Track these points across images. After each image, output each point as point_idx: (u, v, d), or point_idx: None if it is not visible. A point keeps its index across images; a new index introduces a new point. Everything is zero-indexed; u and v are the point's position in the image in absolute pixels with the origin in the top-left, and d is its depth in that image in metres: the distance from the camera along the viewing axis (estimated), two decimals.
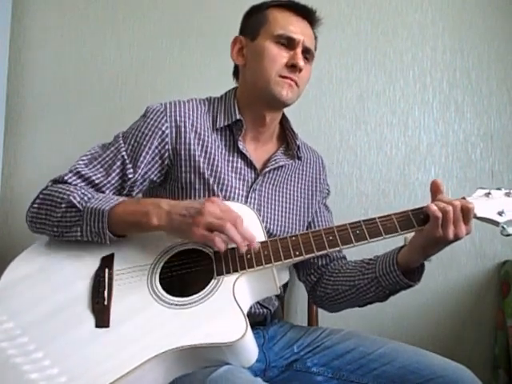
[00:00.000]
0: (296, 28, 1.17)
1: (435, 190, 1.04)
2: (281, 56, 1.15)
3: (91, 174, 1.11)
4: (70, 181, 1.10)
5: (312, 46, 1.21)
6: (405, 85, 1.78)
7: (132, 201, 1.05)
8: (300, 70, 1.16)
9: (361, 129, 1.77)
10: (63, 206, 1.04)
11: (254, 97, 1.20)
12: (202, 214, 0.95)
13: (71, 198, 1.04)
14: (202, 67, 1.76)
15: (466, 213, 0.99)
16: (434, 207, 0.99)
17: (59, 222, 1.05)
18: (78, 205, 1.03)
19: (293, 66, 1.15)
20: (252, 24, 1.21)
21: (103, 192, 1.11)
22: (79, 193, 1.05)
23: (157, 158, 1.15)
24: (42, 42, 1.76)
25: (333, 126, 1.76)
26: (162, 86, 1.75)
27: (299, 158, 1.29)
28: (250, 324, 0.93)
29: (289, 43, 1.16)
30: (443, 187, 1.04)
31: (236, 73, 1.30)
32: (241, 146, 1.19)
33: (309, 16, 1.21)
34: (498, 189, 1.07)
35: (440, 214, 0.98)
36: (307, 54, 1.19)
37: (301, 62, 1.15)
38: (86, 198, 1.04)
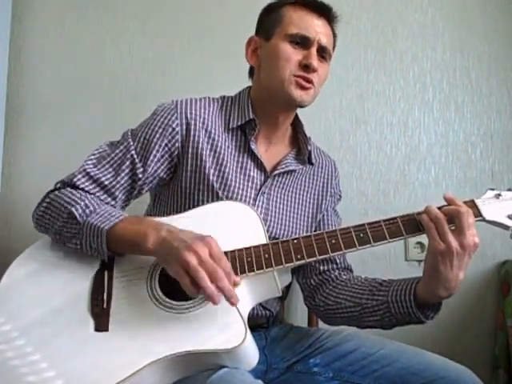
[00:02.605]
0: (311, 26, 1.14)
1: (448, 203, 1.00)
2: (295, 55, 1.13)
3: (101, 175, 1.09)
4: (78, 183, 1.08)
5: (329, 44, 1.17)
6: (405, 85, 1.79)
7: (134, 220, 1.01)
8: (314, 70, 1.13)
9: (361, 129, 1.77)
10: (65, 216, 1.02)
11: (267, 97, 1.19)
12: (187, 251, 0.88)
13: (73, 209, 1.01)
14: (202, 67, 1.75)
15: (468, 215, 0.95)
16: (425, 218, 0.98)
17: (61, 230, 1.03)
18: (79, 218, 1.00)
19: (306, 66, 1.12)
20: (267, 24, 1.20)
21: (113, 193, 1.10)
22: (82, 204, 1.02)
23: (166, 156, 1.14)
24: (42, 42, 1.76)
25: (333, 126, 1.77)
26: (162, 86, 1.74)
27: (310, 163, 1.27)
28: (252, 326, 0.93)
29: (304, 42, 1.13)
30: (451, 196, 1.00)
31: (251, 73, 1.28)
32: (253, 147, 1.18)
33: (326, 13, 1.18)
34: (509, 190, 1.03)
35: (432, 225, 0.96)
36: (323, 52, 1.16)
37: (314, 62, 1.12)
38: (87, 211, 1.01)
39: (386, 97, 1.78)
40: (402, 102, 1.78)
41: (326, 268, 1.22)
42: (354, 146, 1.76)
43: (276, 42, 1.15)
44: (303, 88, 1.13)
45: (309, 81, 1.13)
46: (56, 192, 1.09)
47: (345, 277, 1.21)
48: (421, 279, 1.02)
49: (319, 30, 1.15)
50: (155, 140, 1.12)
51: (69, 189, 1.08)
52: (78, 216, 1.00)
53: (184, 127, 1.15)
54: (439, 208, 0.99)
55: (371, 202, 1.74)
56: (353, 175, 1.75)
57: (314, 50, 1.14)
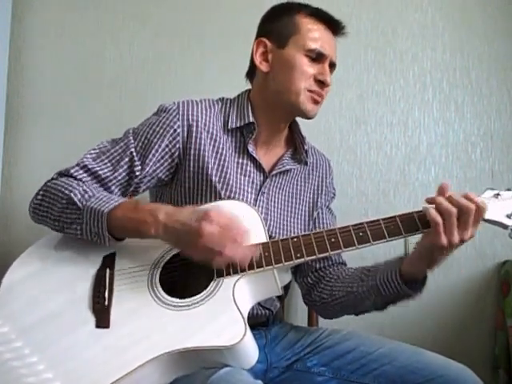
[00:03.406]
0: (327, 43, 1.17)
1: (441, 193, 0.98)
2: (310, 69, 1.15)
3: (98, 169, 1.10)
4: (75, 174, 1.09)
5: (336, 60, 1.21)
6: (405, 85, 1.79)
7: (130, 206, 1.01)
8: (327, 86, 1.17)
9: (361, 129, 1.77)
10: (64, 201, 1.03)
11: (274, 105, 1.19)
12: (200, 237, 0.91)
13: (72, 194, 1.02)
14: (202, 67, 1.76)
15: (478, 214, 0.94)
16: (433, 213, 0.95)
17: (60, 216, 1.04)
18: (78, 203, 1.01)
19: (321, 82, 1.16)
20: (279, 29, 1.19)
21: (109, 188, 1.11)
22: (80, 189, 1.03)
23: (166, 157, 1.14)
24: (42, 42, 1.76)
25: (333, 126, 1.77)
26: (162, 86, 1.74)
27: (306, 163, 1.28)
28: (252, 325, 0.93)
29: (319, 58, 1.16)
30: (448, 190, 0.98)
31: (250, 73, 1.27)
32: (250, 149, 1.18)
33: (338, 31, 1.21)
34: (508, 189, 1.03)
35: (440, 220, 0.93)
36: (331, 67, 1.20)
37: (329, 79, 1.17)
38: (86, 196, 1.02)
39: (386, 97, 1.78)
40: (402, 101, 1.78)
41: (321, 265, 1.24)
42: (353, 146, 1.76)
43: (292, 52, 1.16)
44: (316, 102, 1.17)
45: (321, 96, 1.17)
46: (53, 181, 1.10)
47: (338, 271, 1.23)
48: (407, 258, 1.05)
49: (333, 46, 1.19)
50: (155, 140, 1.13)
51: (65, 177, 1.09)
52: (77, 201, 1.01)
53: (185, 128, 1.15)
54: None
55: (371, 202, 1.74)
56: (353, 175, 1.75)
57: (327, 65, 1.17)
